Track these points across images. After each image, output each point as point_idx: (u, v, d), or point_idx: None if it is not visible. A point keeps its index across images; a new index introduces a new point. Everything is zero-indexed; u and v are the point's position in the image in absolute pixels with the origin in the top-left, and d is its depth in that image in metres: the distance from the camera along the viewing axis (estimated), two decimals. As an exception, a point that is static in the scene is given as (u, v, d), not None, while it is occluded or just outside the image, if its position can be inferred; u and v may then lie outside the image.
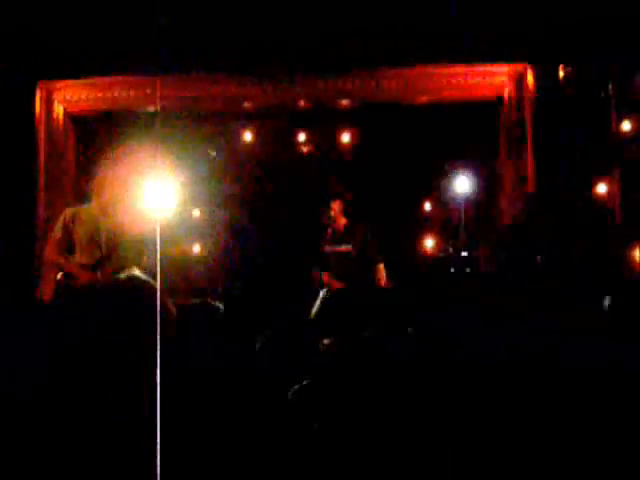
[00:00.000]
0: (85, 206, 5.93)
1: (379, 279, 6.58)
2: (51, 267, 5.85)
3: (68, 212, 5.86)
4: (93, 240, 5.66)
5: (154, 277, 3.93)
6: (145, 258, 5.86)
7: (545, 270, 5.76)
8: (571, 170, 6.54)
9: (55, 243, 5.69)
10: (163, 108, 7.49)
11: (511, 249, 6.06)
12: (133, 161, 7.14)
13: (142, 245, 5.80)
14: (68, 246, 5.67)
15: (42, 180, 7.14)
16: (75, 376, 2.48)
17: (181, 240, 6.34)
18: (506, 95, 7.29)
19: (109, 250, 5.67)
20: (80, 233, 5.66)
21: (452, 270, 7.68)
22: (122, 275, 5.12)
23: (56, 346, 2.51)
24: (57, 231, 5.70)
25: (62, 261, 5.63)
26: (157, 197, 4.60)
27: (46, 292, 5.84)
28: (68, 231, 5.67)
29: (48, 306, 5.60)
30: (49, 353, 2.50)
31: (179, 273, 5.96)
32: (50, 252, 5.72)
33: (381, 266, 6.63)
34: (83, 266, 5.56)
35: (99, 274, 5.46)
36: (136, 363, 2.56)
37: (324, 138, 8.21)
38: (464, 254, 7.60)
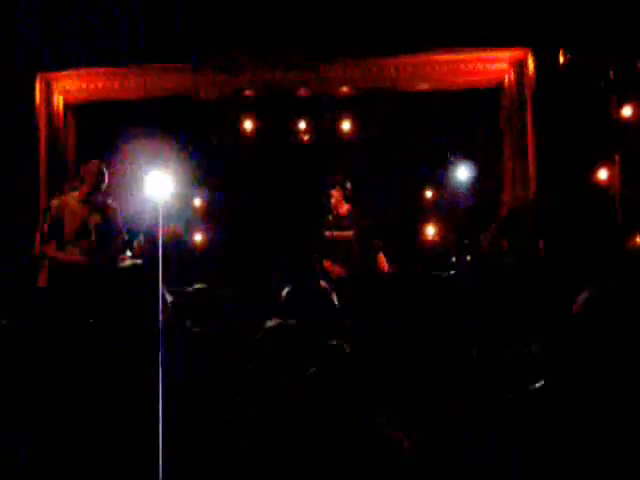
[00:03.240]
0: (70, 195, 5.90)
1: (381, 266, 6.61)
2: (42, 258, 5.78)
3: (54, 203, 5.84)
4: (80, 229, 5.65)
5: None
6: (136, 243, 5.87)
7: (547, 255, 5.77)
8: (572, 155, 6.53)
9: (42, 234, 5.65)
10: (163, 97, 7.49)
11: (513, 234, 6.07)
12: (130, 151, 7.17)
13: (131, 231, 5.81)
14: (57, 237, 5.64)
15: (43, 171, 7.13)
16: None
17: (179, 226, 6.33)
18: (507, 81, 7.27)
19: (99, 237, 5.65)
20: (67, 223, 5.64)
21: (453, 258, 7.68)
22: (126, 263, 5.13)
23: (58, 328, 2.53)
24: (44, 223, 5.67)
25: (50, 252, 5.60)
26: (154, 185, 4.59)
27: (42, 281, 5.78)
28: (55, 222, 5.64)
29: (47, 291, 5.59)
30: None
31: (176, 258, 5.95)
32: (38, 244, 5.67)
33: (381, 254, 6.66)
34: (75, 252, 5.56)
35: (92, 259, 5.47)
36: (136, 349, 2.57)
37: (325, 126, 8.20)
38: (465, 242, 7.60)
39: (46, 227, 5.65)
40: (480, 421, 2.24)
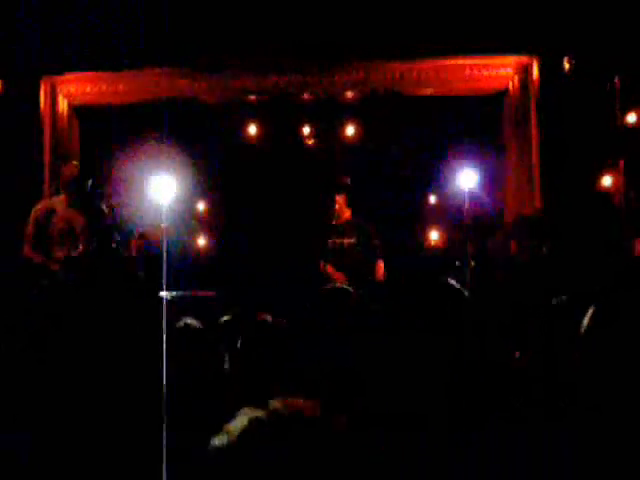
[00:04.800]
0: (57, 198, 5.81)
1: (377, 273, 6.61)
2: (29, 261, 5.66)
3: (39, 206, 5.74)
4: (67, 233, 5.56)
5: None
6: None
7: (551, 260, 5.76)
8: (576, 161, 6.52)
9: (28, 239, 5.59)
10: (168, 101, 7.49)
11: (517, 240, 6.06)
12: (134, 155, 7.17)
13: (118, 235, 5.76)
14: (43, 241, 5.53)
15: (47, 173, 7.15)
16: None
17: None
18: (511, 87, 7.26)
19: (86, 241, 5.58)
20: (53, 226, 5.54)
21: (457, 264, 7.66)
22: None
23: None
24: (29, 227, 5.61)
25: (37, 258, 5.52)
26: (156, 188, 4.61)
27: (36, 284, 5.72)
28: (41, 225, 5.58)
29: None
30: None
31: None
32: (26, 249, 5.57)
33: (381, 261, 6.65)
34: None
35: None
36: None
37: (328, 130, 8.20)
38: (469, 247, 7.57)
39: (32, 230, 5.55)
40: (480, 425, 2.23)
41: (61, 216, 5.61)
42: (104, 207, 5.81)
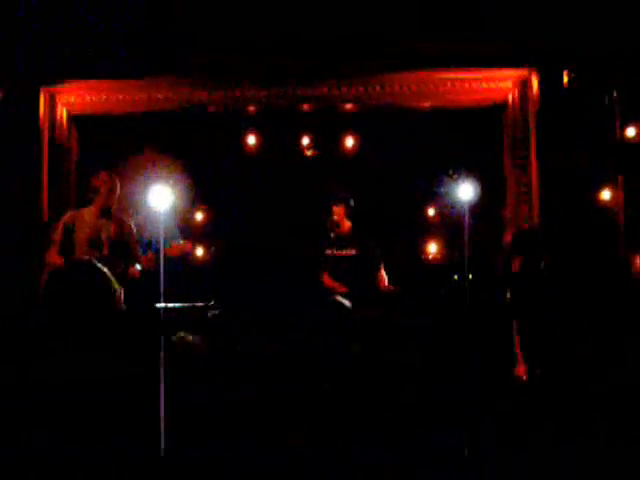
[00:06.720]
0: (86, 208, 6.10)
1: (381, 283, 6.63)
2: (52, 268, 5.97)
3: (68, 215, 6.09)
4: (93, 241, 5.84)
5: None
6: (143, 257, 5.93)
7: (549, 274, 5.76)
8: (575, 175, 6.52)
9: (55, 245, 5.87)
10: (166, 111, 7.49)
11: (515, 254, 6.05)
12: (133, 165, 7.24)
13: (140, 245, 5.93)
14: (69, 248, 5.85)
15: (46, 183, 7.15)
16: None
17: (182, 241, 6.37)
18: (510, 100, 7.27)
19: (109, 250, 5.82)
20: (80, 234, 5.86)
21: (455, 277, 7.65)
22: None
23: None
24: (57, 234, 5.92)
25: (61, 262, 5.78)
26: (159, 199, 4.64)
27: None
28: (68, 233, 5.86)
29: None
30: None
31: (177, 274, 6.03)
32: (51, 254, 5.90)
33: (382, 271, 6.67)
34: None
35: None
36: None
37: (327, 142, 8.21)
38: (467, 260, 7.56)
39: (59, 237, 5.87)
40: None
41: (89, 225, 5.88)
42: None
